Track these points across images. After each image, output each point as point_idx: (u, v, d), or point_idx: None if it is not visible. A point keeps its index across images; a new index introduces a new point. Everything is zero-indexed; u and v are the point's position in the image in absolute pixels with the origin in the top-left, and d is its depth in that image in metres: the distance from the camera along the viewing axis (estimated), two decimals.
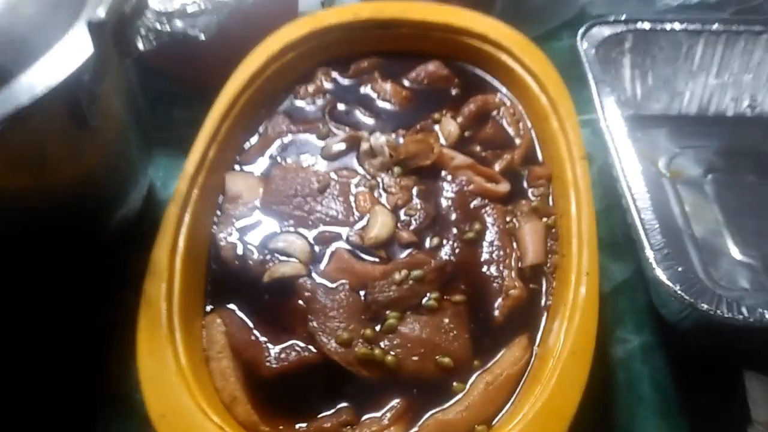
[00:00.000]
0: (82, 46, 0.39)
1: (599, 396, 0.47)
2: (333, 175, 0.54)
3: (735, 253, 0.56)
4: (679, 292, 0.44)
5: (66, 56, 0.39)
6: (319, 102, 0.60)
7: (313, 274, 0.48)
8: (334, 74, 0.63)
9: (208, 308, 0.47)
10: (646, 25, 0.65)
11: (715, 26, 0.65)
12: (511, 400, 0.42)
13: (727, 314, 0.43)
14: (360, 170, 0.55)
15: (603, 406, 0.48)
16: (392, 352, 0.44)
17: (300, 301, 0.46)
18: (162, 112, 0.70)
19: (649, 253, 0.46)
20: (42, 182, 0.43)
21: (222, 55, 0.59)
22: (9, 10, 0.38)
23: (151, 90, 0.71)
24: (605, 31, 0.64)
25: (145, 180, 0.58)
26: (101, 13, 0.38)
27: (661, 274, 0.45)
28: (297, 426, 0.41)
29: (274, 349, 0.44)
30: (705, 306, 0.44)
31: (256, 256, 0.49)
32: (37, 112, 0.37)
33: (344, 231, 0.50)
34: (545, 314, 0.47)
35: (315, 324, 0.45)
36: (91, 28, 0.38)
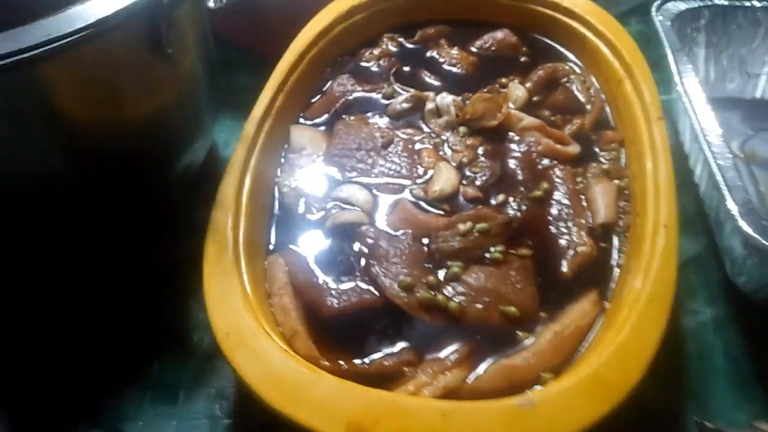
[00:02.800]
0: None
1: (670, 365, 0.44)
2: (397, 132, 0.54)
3: None
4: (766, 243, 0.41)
5: None
6: (384, 64, 0.60)
7: (376, 223, 0.47)
8: (400, 39, 0.63)
9: (271, 248, 0.47)
10: (724, 0, 0.64)
11: None
12: (580, 351, 0.41)
13: None
14: (425, 128, 0.55)
15: (674, 375, 0.46)
16: (456, 299, 0.43)
17: (362, 248, 0.46)
18: (225, 79, 0.69)
19: (732, 205, 0.44)
20: (115, 110, 0.43)
21: (286, 22, 0.60)
22: None
23: (215, 58, 0.72)
24: (681, 5, 0.63)
25: (210, 133, 0.58)
26: None
27: (745, 226, 0.42)
28: (357, 362, 0.41)
29: (335, 290, 0.44)
30: None
31: (318, 204, 0.49)
32: (118, 26, 0.37)
33: (407, 184, 0.50)
34: (616, 271, 0.45)
35: (377, 268, 0.44)
36: None
